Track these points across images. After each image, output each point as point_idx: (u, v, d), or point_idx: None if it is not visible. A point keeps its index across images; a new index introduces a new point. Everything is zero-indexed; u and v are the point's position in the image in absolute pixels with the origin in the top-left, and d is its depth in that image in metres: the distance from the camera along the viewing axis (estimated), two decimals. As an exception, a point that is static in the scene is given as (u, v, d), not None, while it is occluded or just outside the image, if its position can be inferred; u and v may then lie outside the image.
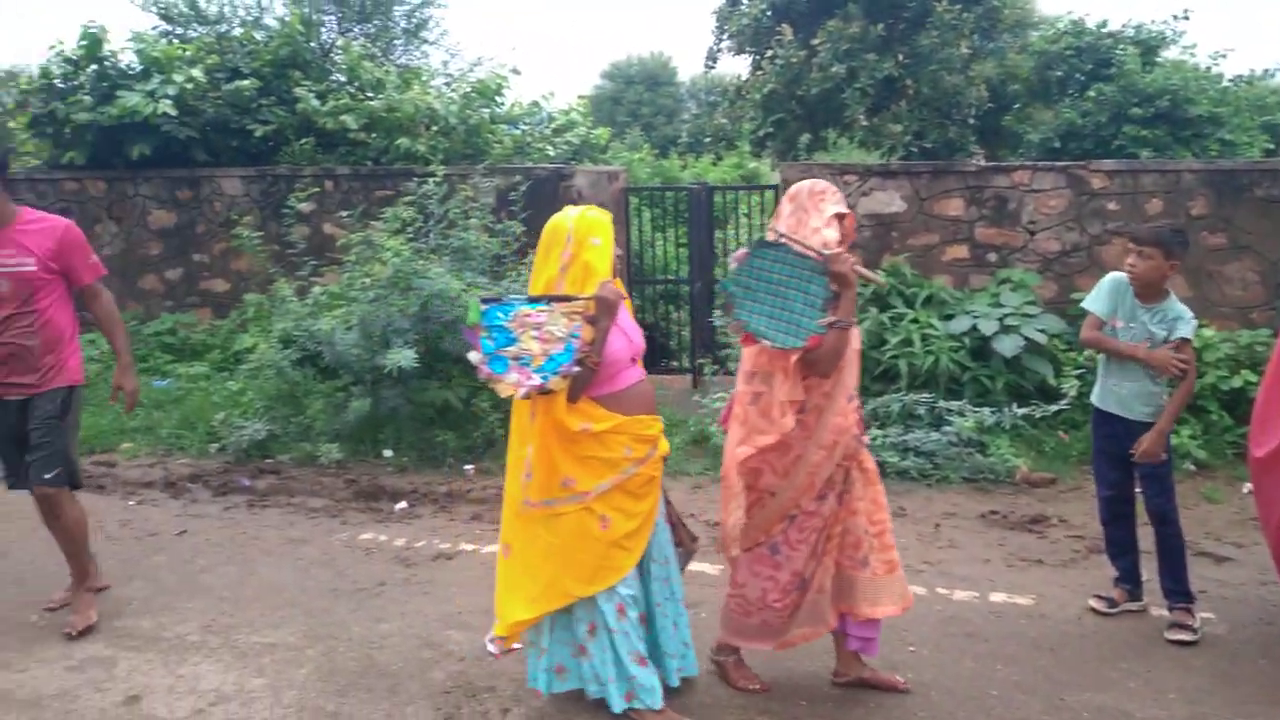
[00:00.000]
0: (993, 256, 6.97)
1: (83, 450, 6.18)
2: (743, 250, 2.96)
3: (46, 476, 3.68)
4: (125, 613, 3.94)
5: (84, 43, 8.35)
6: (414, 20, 13.82)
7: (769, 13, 10.61)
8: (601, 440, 2.83)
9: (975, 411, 5.76)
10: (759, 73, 10.67)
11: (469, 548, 4.63)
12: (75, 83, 8.34)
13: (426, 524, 4.99)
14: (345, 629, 3.78)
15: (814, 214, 2.89)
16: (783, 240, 2.85)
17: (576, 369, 2.73)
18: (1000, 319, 6.24)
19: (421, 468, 5.89)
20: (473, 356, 2.83)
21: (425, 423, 6.11)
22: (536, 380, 2.72)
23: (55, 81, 8.40)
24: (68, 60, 8.41)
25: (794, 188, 2.99)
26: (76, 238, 3.81)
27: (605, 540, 2.83)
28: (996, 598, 4.03)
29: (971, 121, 10.25)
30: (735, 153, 13.77)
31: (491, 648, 3.55)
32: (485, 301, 2.84)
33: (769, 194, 8.00)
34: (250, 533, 4.86)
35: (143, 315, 8.44)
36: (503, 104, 9.87)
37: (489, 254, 6.56)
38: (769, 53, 10.37)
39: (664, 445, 2.99)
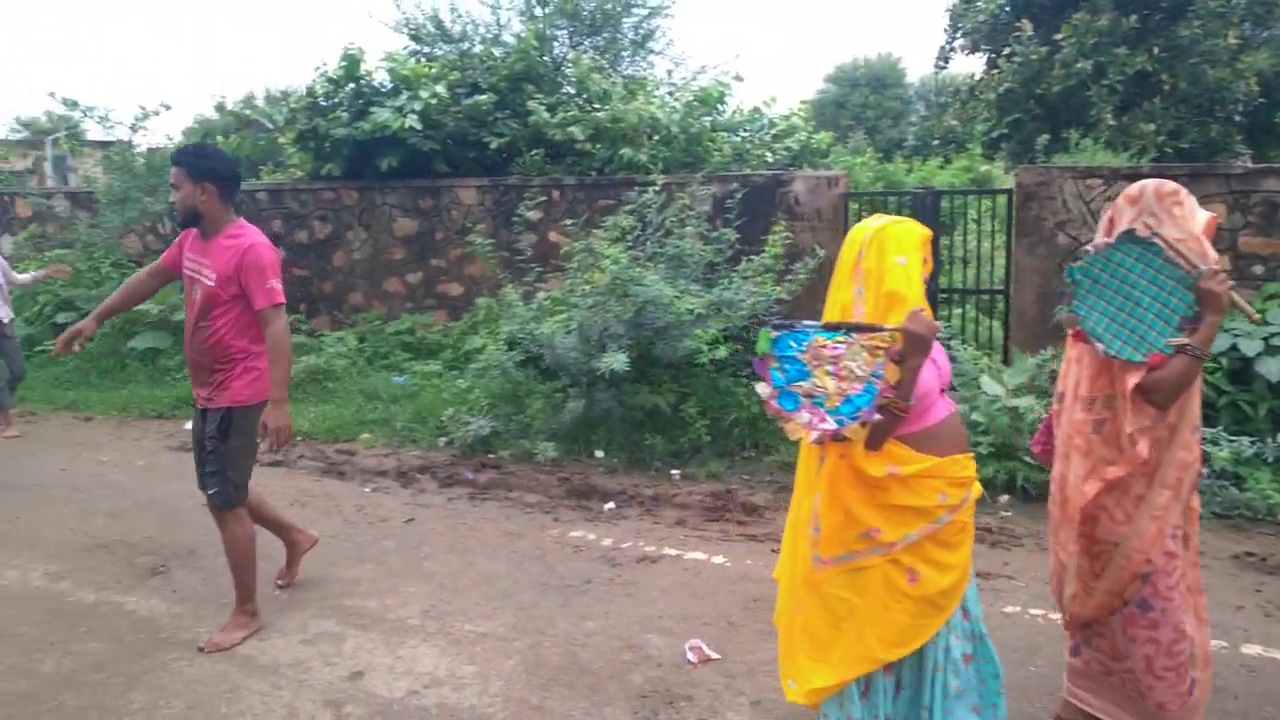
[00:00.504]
0: (1259, 269, 6.23)
1: (327, 439, 6.77)
2: (1101, 239, 2.61)
3: (209, 493, 3.80)
4: (355, 593, 4.25)
5: (344, 64, 9.14)
6: (641, 32, 14.13)
7: (1007, 8, 10.04)
8: (911, 485, 2.39)
9: (1232, 441, 5.18)
10: (994, 71, 10.12)
11: (672, 552, 4.66)
12: (335, 100, 9.14)
13: (633, 525, 5.06)
14: (552, 624, 3.89)
15: (1167, 220, 2.53)
16: (1155, 239, 2.49)
17: (877, 416, 2.28)
18: (1265, 339, 5.58)
19: (630, 469, 5.99)
20: (761, 389, 2.44)
21: (635, 425, 6.22)
22: (831, 425, 2.31)
23: (318, 100, 9.24)
24: (329, 80, 9.22)
25: (1133, 189, 2.64)
26: (255, 259, 3.65)
27: (915, 596, 2.41)
28: (1250, 650, 3.59)
29: (1238, 119, 9.24)
30: (965, 156, 13.14)
31: (690, 656, 3.56)
32: (777, 328, 2.44)
33: (1000, 199, 7.54)
34: (470, 524, 5.12)
35: (385, 315, 9.13)
36: (724, 111, 9.90)
37: (703, 262, 6.59)
38: (1006, 50, 9.81)
39: (977, 488, 2.53)
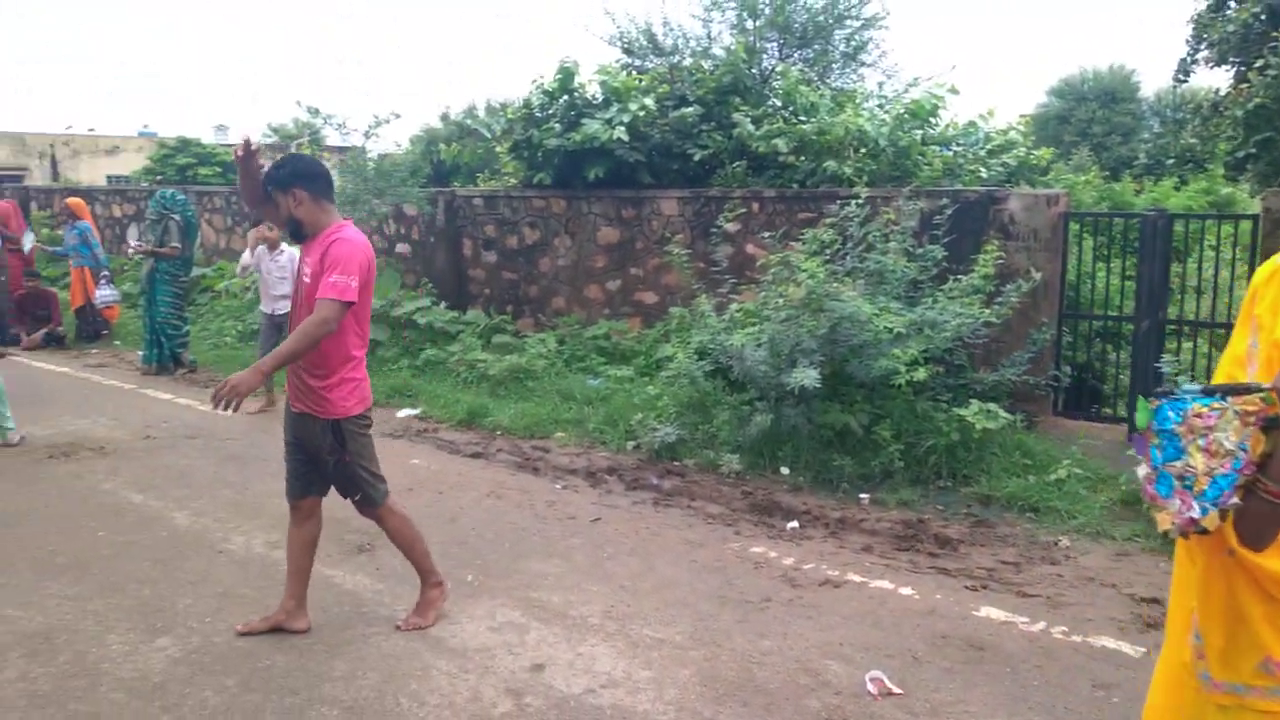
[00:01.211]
0: None
1: (524, 434, 7.03)
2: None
3: (353, 500, 3.88)
4: (541, 586, 4.38)
5: (559, 77, 9.49)
6: (853, 44, 13.89)
7: (1262, 16, 9.15)
8: None
9: None
10: (1243, 85, 9.25)
11: (856, 579, 4.52)
12: (549, 112, 9.51)
13: (816, 547, 4.95)
14: (729, 638, 3.86)
15: None
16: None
17: (1234, 500, 1.76)
18: None
19: (816, 489, 5.87)
20: (1139, 471, 1.94)
21: (824, 444, 6.09)
22: (1195, 512, 1.83)
23: (534, 111, 9.64)
24: (545, 92, 9.61)
25: None
26: (335, 252, 3.50)
27: None
28: None
29: None
30: (1205, 177, 12.07)
31: (871, 688, 3.44)
32: (1157, 396, 1.99)
33: (1244, 224, 6.87)
34: (653, 529, 5.17)
35: (584, 320, 9.40)
36: (937, 125, 9.56)
37: (905, 279, 6.38)
38: (1258, 62, 8.94)
39: None
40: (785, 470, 6.09)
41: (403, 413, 7.79)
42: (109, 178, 27.15)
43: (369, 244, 3.70)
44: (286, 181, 3.62)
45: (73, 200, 11.72)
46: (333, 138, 11.44)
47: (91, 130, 32.80)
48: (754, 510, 5.49)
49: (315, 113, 10.32)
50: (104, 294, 10.97)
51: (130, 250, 11.54)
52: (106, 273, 11.19)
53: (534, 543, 4.94)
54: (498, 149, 10.80)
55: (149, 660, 3.66)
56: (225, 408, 3.37)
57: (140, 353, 9.73)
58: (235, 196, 13.79)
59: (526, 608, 4.14)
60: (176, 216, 9.60)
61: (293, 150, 26.54)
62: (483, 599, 4.24)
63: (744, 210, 8.25)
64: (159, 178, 20.72)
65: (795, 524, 5.26)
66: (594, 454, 6.66)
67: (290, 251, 7.65)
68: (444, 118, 22.38)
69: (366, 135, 10.15)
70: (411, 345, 9.33)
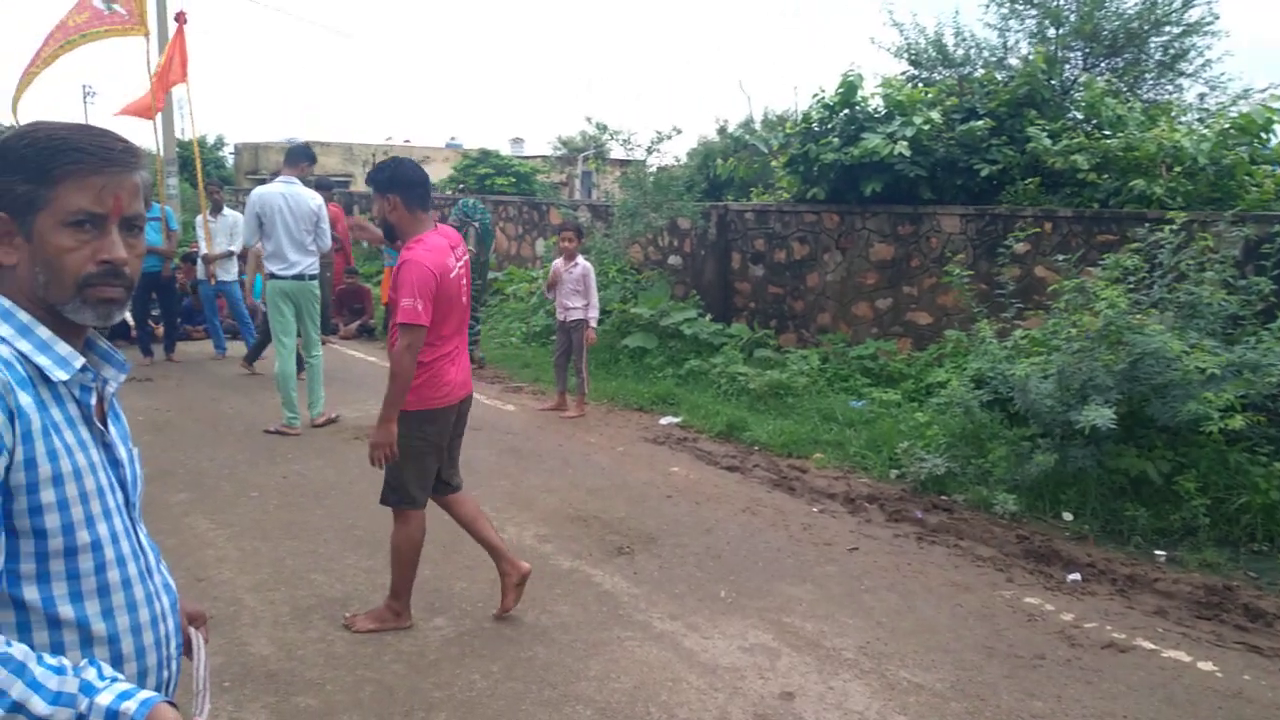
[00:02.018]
0: None
1: (782, 452, 6.96)
2: None
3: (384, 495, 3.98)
4: (794, 611, 4.30)
5: (841, 90, 9.33)
6: (1171, 52, 12.61)
7: None
8: None
9: None
10: None
11: (1147, 645, 4.06)
12: (829, 126, 9.37)
13: (1100, 604, 4.50)
14: (994, 693, 3.59)
15: None
16: None
17: None
18: None
19: (1103, 540, 5.35)
20: None
21: (1115, 491, 5.53)
22: None
23: (812, 125, 9.54)
24: (825, 106, 9.48)
25: None
26: (403, 275, 3.65)
27: None
28: None
29: None
30: None
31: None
32: None
33: None
34: (915, 565, 4.93)
35: (850, 339, 9.17)
36: (1269, 142, 8.45)
37: (1224, 314, 5.67)
38: None
39: None
40: (1068, 516, 5.59)
41: (665, 420, 7.96)
42: (419, 185, 29.91)
43: (441, 251, 3.73)
44: (384, 186, 3.77)
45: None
46: (617, 151, 11.92)
47: (407, 141, 36.44)
48: (1030, 557, 5.09)
49: (602, 128, 10.80)
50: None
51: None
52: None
53: (788, 565, 4.87)
54: (774, 164, 10.79)
55: (427, 637, 3.96)
56: (382, 465, 3.76)
57: (436, 347, 10.63)
58: (527, 205, 14.76)
59: (779, 632, 4.08)
60: (476, 224, 10.39)
61: (579, 161, 27.97)
62: (735, 617, 4.22)
63: (1036, 230, 7.69)
64: (460, 186, 22.61)
65: (1077, 576, 4.81)
66: (854, 479, 6.46)
67: (584, 264, 8.08)
68: (721, 131, 22.74)
69: (649, 150, 10.49)
70: (677, 354, 9.53)
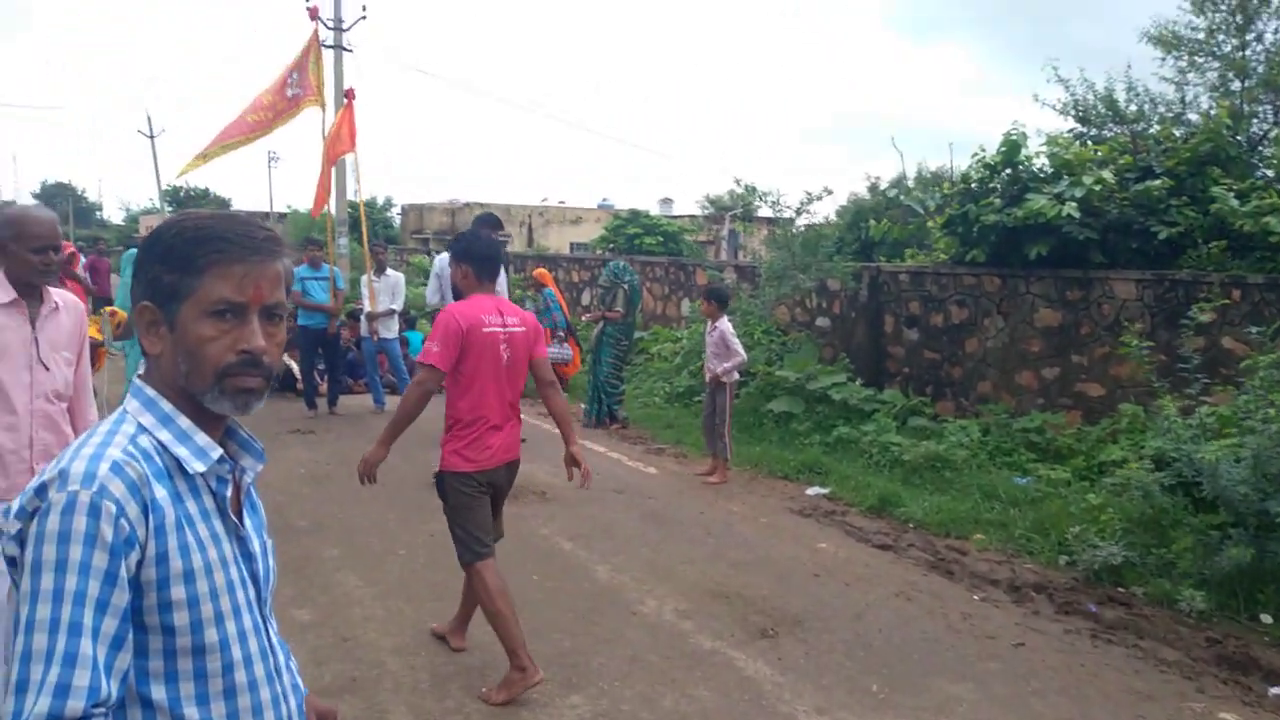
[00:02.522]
0: None
1: (939, 531, 6.58)
2: None
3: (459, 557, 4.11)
4: (954, 712, 3.97)
5: (1003, 149, 8.96)
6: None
7: None
8: None
9: None
10: None
11: (1375, 783, 3.53)
12: (989, 186, 9.00)
13: (1313, 727, 3.97)
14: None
15: None
16: None
17: None
18: None
19: (1313, 650, 4.74)
20: None
21: (1326, 595, 4.92)
22: None
23: (972, 185, 9.19)
24: (986, 166, 9.12)
25: None
26: (434, 323, 4.12)
27: None
28: None
29: None
30: None
31: None
32: None
33: None
34: (1089, 667, 4.49)
35: (1013, 409, 8.65)
36: None
37: None
38: None
39: None
40: (1267, 619, 5.01)
41: (812, 490, 7.68)
42: (571, 245, 30.85)
43: (480, 308, 4.02)
44: (460, 256, 4.15)
45: (539, 271, 13.35)
46: (764, 209, 11.85)
47: (561, 202, 37.61)
48: (1223, 664, 4.55)
49: (751, 190, 10.75)
50: (555, 352, 12.29)
51: (583, 316, 12.85)
52: (561, 333, 12.54)
53: (946, 658, 4.52)
54: (930, 224, 10.45)
55: (563, 715, 3.86)
56: (364, 481, 4.05)
57: (584, 406, 10.71)
58: (674, 266, 14.84)
59: (936, 736, 3.77)
60: (625, 285, 10.48)
61: (727, 220, 28.06)
62: (888, 715, 3.93)
63: (1225, 301, 7.08)
64: (611, 245, 23.04)
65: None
66: (1018, 564, 6.02)
67: (723, 327, 7.99)
68: (872, 189, 22.38)
69: (798, 212, 10.36)
70: (824, 420, 9.24)
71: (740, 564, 5.83)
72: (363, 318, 10.98)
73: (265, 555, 1.51)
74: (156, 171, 53.95)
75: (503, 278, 7.70)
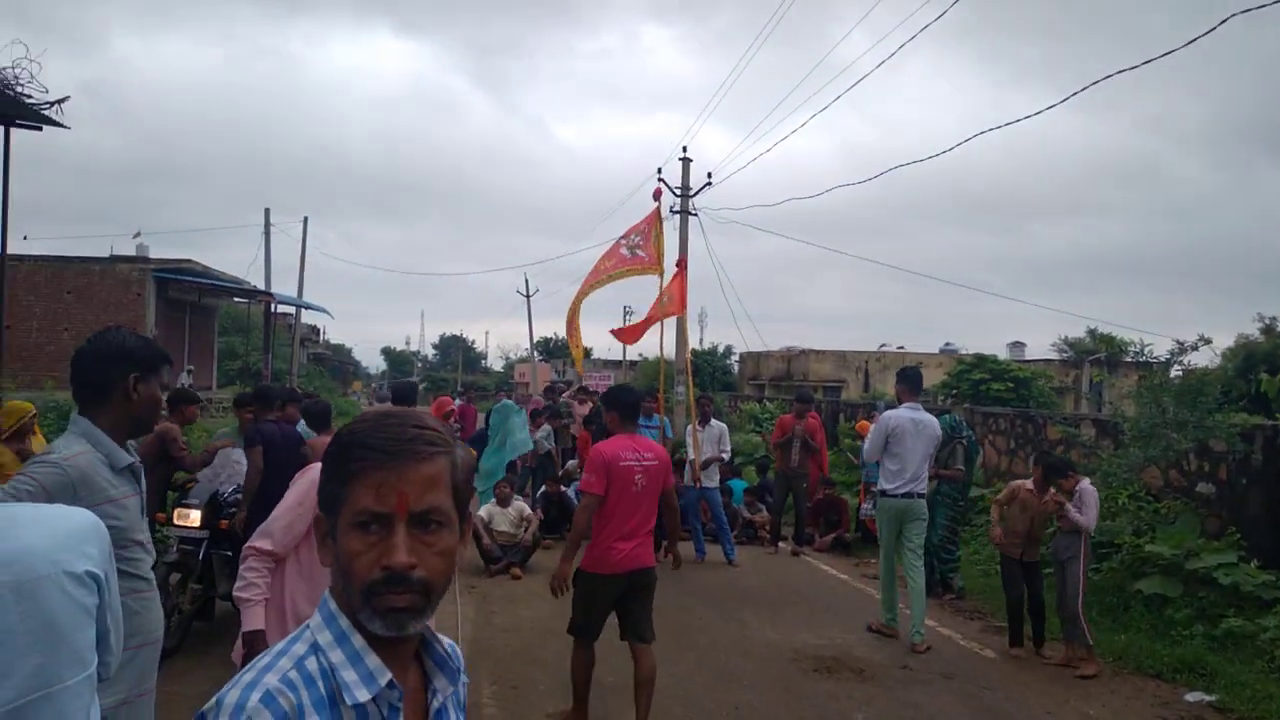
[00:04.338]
0: None
1: None
2: None
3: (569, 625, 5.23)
4: None
5: None
6: None
7: None
8: None
9: None
10: None
11: None
12: None
13: None
14: None
15: None
16: None
17: None
18: None
19: None
20: None
21: None
22: None
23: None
24: None
25: None
26: (587, 458, 5.39)
27: None
28: None
29: None
30: None
31: None
32: None
33: None
34: None
35: None
36: None
37: None
38: None
39: None
40: None
41: (1192, 696, 6.36)
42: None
43: (620, 446, 5.03)
44: (609, 405, 5.35)
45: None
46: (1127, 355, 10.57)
47: (900, 347, 36.65)
48: None
49: (1109, 341, 9.67)
50: (868, 508, 11.60)
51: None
52: (875, 487, 11.87)
53: None
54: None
55: None
56: (556, 594, 5.05)
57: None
58: (1020, 418, 13.64)
59: None
60: (963, 441, 9.73)
61: (1086, 365, 25.83)
62: None
63: None
64: (954, 392, 21.86)
65: None
66: None
67: (1087, 486, 7.22)
68: (1266, 330, 19.35)
69: (1167, 364, 9.11)
70: (1208, 608, 7.73)
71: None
72: (686, 465, 11.12)
73: None
74: (530, 325, 60.52)
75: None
